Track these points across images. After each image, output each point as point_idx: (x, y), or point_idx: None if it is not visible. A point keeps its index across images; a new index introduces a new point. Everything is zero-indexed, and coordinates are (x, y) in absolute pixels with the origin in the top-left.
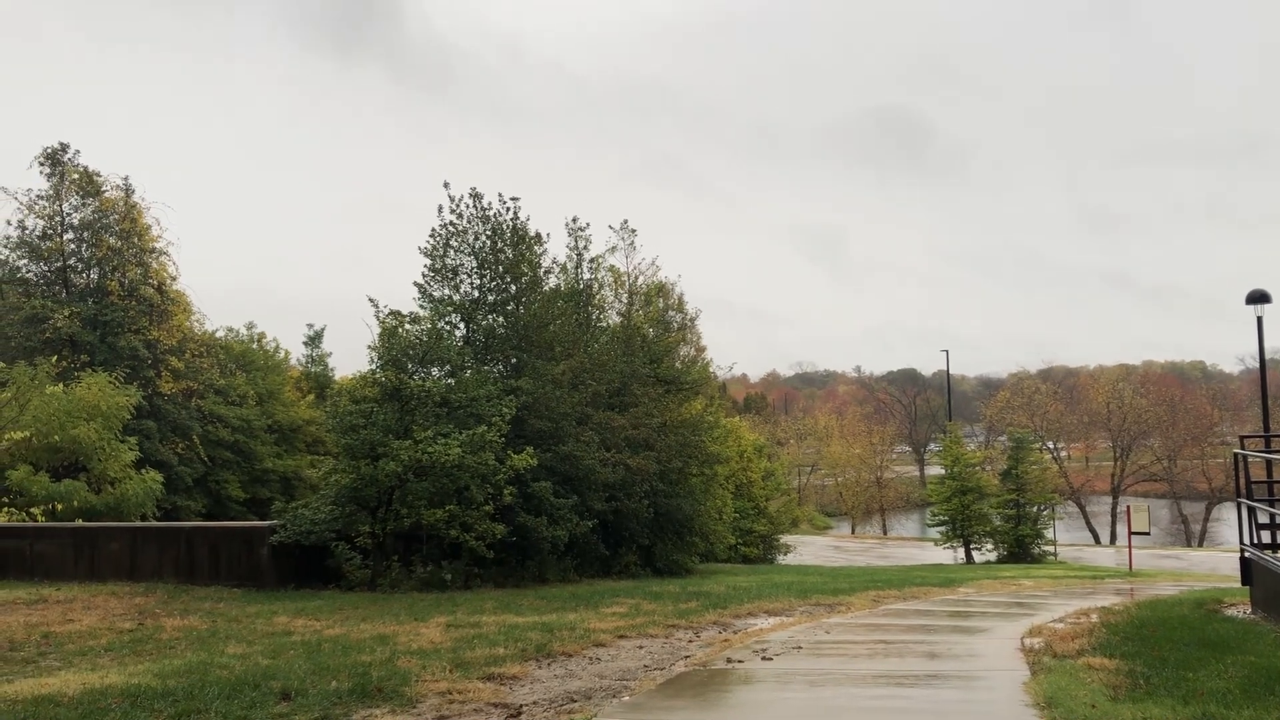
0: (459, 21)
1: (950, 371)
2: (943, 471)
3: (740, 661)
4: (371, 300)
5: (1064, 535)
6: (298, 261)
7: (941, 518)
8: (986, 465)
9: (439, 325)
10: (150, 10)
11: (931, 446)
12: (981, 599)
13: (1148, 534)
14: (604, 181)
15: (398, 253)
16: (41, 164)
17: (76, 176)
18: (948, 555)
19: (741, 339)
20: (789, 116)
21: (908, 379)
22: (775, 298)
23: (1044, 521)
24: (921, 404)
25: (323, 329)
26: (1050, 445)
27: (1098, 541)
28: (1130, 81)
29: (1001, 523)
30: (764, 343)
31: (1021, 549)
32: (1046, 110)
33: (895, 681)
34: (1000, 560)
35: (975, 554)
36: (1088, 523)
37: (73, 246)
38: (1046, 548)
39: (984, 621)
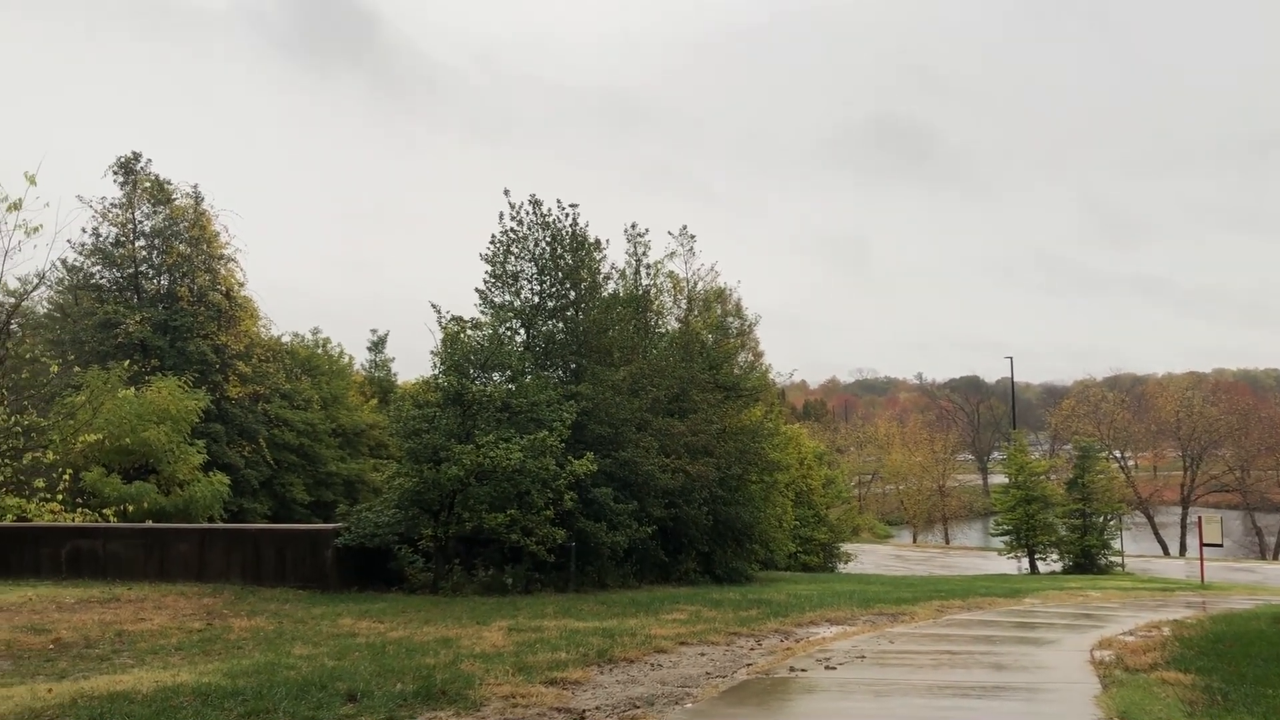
0: (435, 34)
1: (1014, 379)
2: (1006, 480)
3: (803, 670)
4: (434, 306)
5: (1132, 546)
6: (309, 266)
7: (1005, 527)
8: (1052, 474)
9: (500, 331)
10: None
11: (995, 455)
12: (1048, 610)
13: (1220, 546)
14: (602, 193)
15: (404, 262)
16: (115, 173)
17: (148, 185)
18: (1012, 565)
19: (773, 347)
20: (789, 128)
21: (970, 386)
22: (801, 306)
23: (1111, 532)
24: (985, 411)
25: (386, 334)
26: (1117, 454)
27: (1167, 553)
28: (1128, 87)
29: (1067, 533)
30: (801, 351)
31: (1088, 560)
32: (1046, 116)
33: (961, 693)
34: (1065, 571)
35: (1040, 564)
36: (1156, 534)
37: (144, 253)
38: (1114, 559)
39: (1051, 633)
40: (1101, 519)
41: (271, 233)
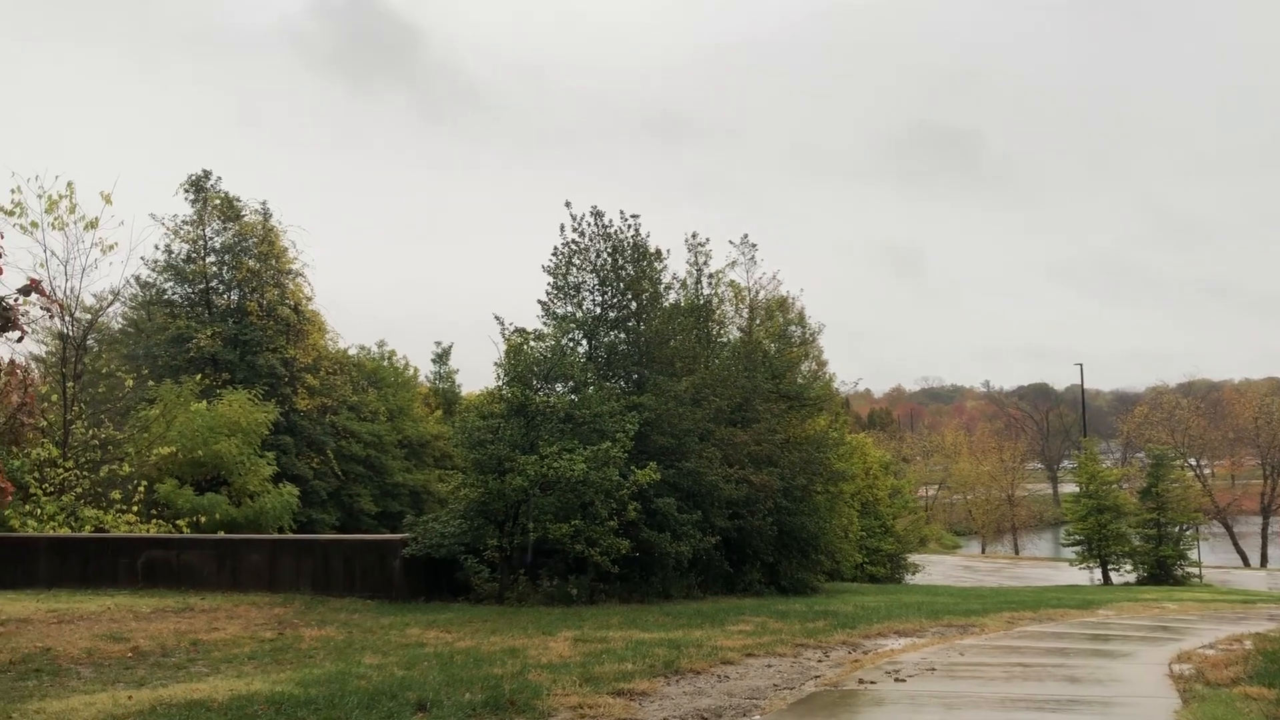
0: (479, 51)
1: (1084, 386)
2: (1077, 489)
3: (872, 683)
4: (497, 318)
5: (1209, 557)
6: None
7: (1077, 537)
8: (1124, 483)
9: (562, 342)
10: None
11: (1065, 463)
12: (1122, 622)
13: None
14: (650, 203)
15: (459, 276)
16: (186, 190)
17: (218, 202)
18: (1083, 576)
19: (835, 356)
20: (832, 137)
21: (1039, 394)
22: (858, 314)
23: (1187, 542)
24: (1054, 419)
25: (450, 346)
26: (1193, 462)
27: (1247, 564)
28: (1177, 88)
29: (1141, 543)
30: (863, 360)
31: (1163, 570)
32: (1094, 119)
33: (1035, 706)
34: (1140, 582)
35: (1113, 575)
36: (1235, 544)
37: (214, 269)
38: (1190, 569)
39: (1126, 645)
40: (1177, 529)
41: (323, 249)
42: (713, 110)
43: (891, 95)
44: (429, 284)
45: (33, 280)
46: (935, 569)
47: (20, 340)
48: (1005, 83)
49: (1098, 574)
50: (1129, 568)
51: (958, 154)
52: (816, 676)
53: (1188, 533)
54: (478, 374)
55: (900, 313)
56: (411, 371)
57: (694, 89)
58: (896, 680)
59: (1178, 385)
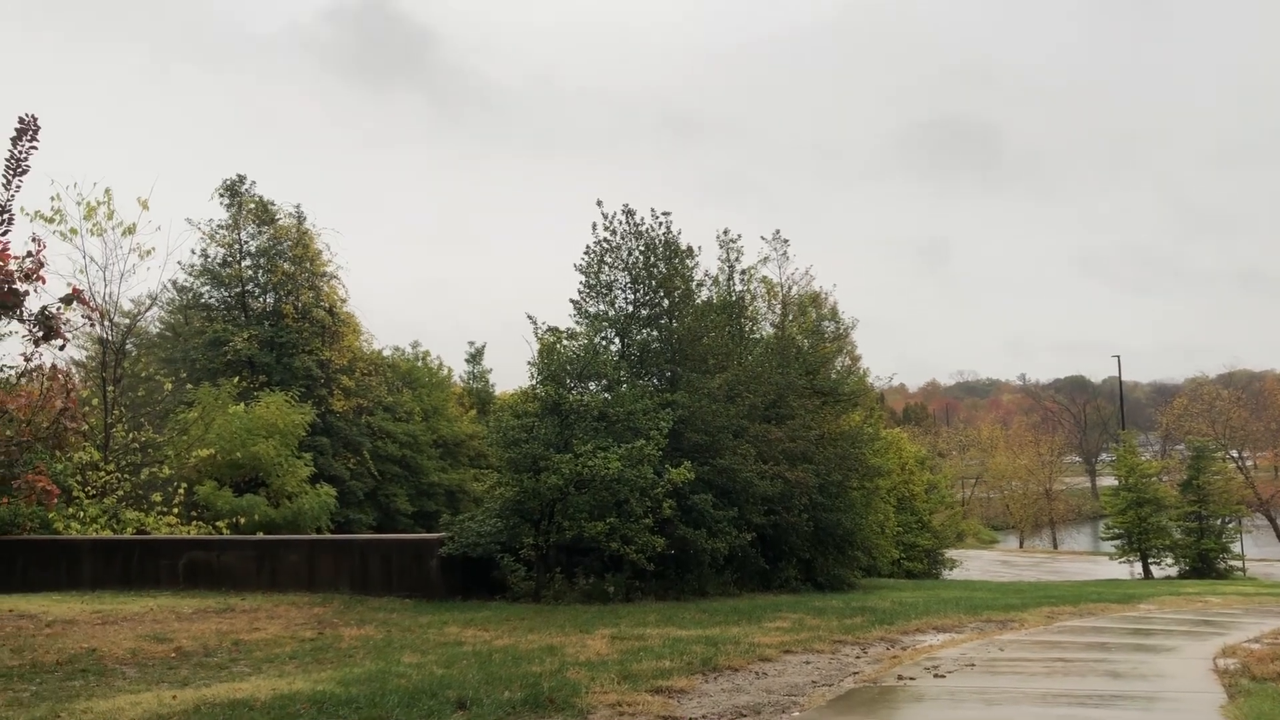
0: (491, 53)
1: (1122, 378)
2: (1116, 482)
3: (912, 679)
4: (530, 317)
5: (1253, 550)
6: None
7: (1116, 531)
8: (1164, 475)
9: (595, 340)
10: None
11: (1103, 456)
12: (1164, 616)
13: None
14: (669, 202)
15: (480, 277)
16: (221, 195)
17: (253, 206)
18: (1124, 570)
19: (868, 351)
20: (850, 135)
21: (1075, 386)
22: (887, 310)
23: (1230, 535)
24: (1091, 412)
25: (483, 346)
26: (1234, 454)
27: None
28: (1194, 80)
29: (1182, 536)
30: (896, 355)
31: (1205, 564)
32: (1112, 114)
33: (1077, 701)
34: (1181, 575)
35: (1154, 569)
36: (1279, 536)
37: (250, 273)
38: (1233, 562)
39: (1169, 640)
40: (1219, 521)
41: (348, 252)
42: (730, 109)
43: (910, 91)
44: (457, 284)
45: (74, 289)
46: (973, 564)
47: (62, 348)
48: (1024, 76)
49: (1138, 568)
50: (1170, 561)
51: (979, 148)
52: (855, 673)
53: (1230, 525)
54: (511, 373)
55: (930, 307)
56: (445, 372)
57: (710, 88)
58: (936, 676)
59: (1217, 376)
